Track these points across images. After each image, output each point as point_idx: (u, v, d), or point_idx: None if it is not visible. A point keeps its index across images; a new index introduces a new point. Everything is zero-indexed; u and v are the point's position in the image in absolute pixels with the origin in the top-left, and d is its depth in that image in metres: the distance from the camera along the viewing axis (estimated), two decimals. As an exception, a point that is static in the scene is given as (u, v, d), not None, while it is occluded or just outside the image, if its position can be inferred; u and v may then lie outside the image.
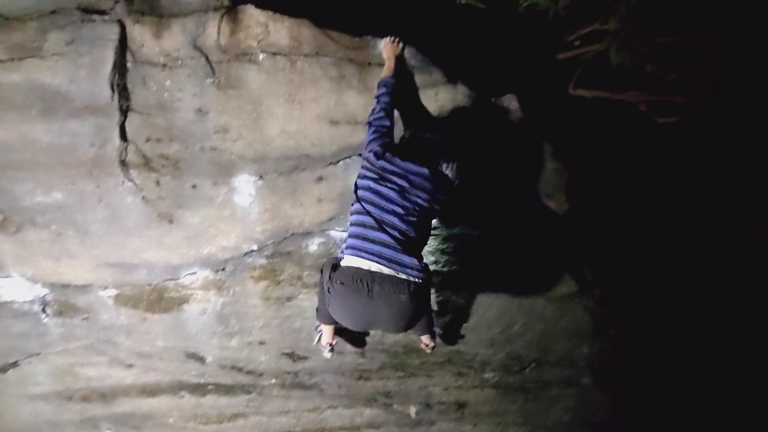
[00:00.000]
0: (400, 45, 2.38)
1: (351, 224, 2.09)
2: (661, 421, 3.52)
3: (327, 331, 2.62)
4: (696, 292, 3.25)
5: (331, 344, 2.66)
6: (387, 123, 2.18)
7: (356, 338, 2.87)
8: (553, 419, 3.40)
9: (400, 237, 2.00)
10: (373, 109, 2.21)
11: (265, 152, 2.45)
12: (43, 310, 2.66)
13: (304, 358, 2.91)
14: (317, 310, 2.50)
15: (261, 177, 2.47)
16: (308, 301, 2.70)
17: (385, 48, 2.38)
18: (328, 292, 2.05)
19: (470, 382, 3.13)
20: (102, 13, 2.29)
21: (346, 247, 2.06)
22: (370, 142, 2.15)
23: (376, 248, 1.98)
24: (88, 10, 2.29)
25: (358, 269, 1.97)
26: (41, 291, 2.63)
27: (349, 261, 2.01)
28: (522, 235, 2.75)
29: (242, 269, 2.62)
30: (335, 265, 2.06)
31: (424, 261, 2.05)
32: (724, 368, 3.48)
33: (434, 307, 2.78)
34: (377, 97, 2.22)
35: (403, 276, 1.96)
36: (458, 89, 2.52)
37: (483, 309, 2.85)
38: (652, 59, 2.86)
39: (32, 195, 2.41)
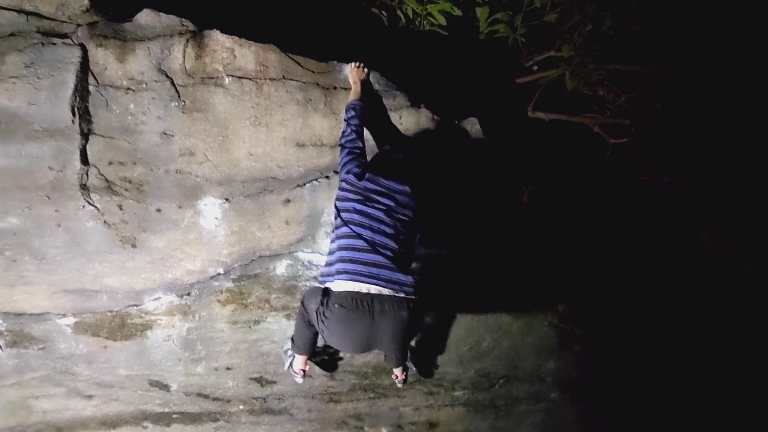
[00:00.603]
0: (365, 69, 2.45)
1: (340, 248, 2.07)
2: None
3: (300, 358, 2.58)
4: (655, 303, 3.39)
5: (304, 370, 2.62)
6: (360, 144, 2.23)
7: (327, 362, 2.85)
8: (523, 435, 3.43)
9: (392, 256, 2.04)
10: (344, 132, 2.25)
11: (231, 175, 2.45)
12: (-4, 341, 2.54)
13: (273, 382, 2.86)
14: (292, 340, 2.50)
15: (227, 199, 2.46)
16: (276, 324, 2.67)
17: (351, 72, 2.44)
18: (323, 316, 2.03)
19: (441, 400, 3.14)
20: (63, 36, 2.28)
21: (337, 272, 2.04)
22: (346, 163, 2.17)
23: (373, 270, 2.01)
24: (48, 33, 2.27)
25: (357, 293, 1.98)
26: (-6, 321, 2.51)
27: (344, 286, 2.01)
28: (486, 253, 2.82)
29: (208, 293, 2.58)
30: (325, 290, 2.05)
31: (415, 276, 2.09)
32: (689, 375, 3.61)
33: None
34: (347, 120, 2.27)
35: (402, 294, 2.01)
36: (422, 112, 2.60)
37: (451, 327, 2.89)
38: (603, 85, 3.04)
39: (-15, 220, 2.33)
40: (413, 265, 2.50)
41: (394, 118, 2.56)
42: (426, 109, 2.61)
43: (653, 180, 3.46)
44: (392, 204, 2.12)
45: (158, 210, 2.43)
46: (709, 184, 3.41)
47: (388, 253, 2.04)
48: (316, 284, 2.42)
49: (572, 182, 3.09)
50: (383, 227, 2.07)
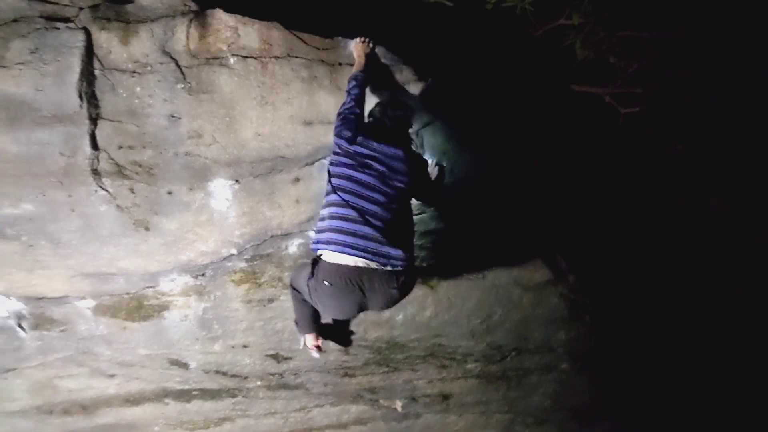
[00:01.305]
0: (370, 44, 2.41)
1: (329, 216, 2.04)
2: (639, 401, 3.66)
3: (310, 335, 2.62)
4: (664, 272, 3.39)
5: (317, 345, 2.67)
6: (356, 110, 2.16)
7: (341, 336, 2.90)
8: (535, 405, 3.50)
9: (383, 227, 1.99)
10: (344, 102, 2.22)
11: (240, 155, 2.45)
12: (19, 325, 2.61)
13: (288, 358, 2.93)
14: (296, 322, 2.54)
15: (237, 180, 2.47)
16: (289, 301, 2.70)
17: (356, 47, 2.40)
18: (314, 290, 2.05)
19: (453, 373, 3.20)
20: (66, 20, 2.26)
21: (326, 242, 2.01)
22: (338, 127, 2.12)
23: (361, 243, 1.97)
24: (51, 18, 2.25)
25: (345, 266, 1.97)
26: (16, 305, 2.57)
27: (332, 257, 1.99)
28: (496, 226, 2.82)
29: (222, 273, 2.62)
30: (314, 261, 2.06)
31: (412, 246, 2.09)
32: (698, 345, 3.63)
33: (414, 302, 2.83)
34: (348, 90, 2.23)
35: (390, 268, 1.99)
36: (429, 85, 2.56)
37: (462, 301, 2.91)
38: (614, 53, 2.97)
39: (0, 207, 2.36)
40: (423, 241, 2.51)
41: (401, 91, 2.52)
42: (433, 82, 2.58)
43: (665, 148, 3.42)
44: (385, 170, 2.06)
45: (169, 192, 2.44)
46: (720, 151, 3.36)
47: (379, 223, 1.99)
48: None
49: (582, 152, 3.06)
50: (375, 195, 2.02)
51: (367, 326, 2.88)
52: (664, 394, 3.68)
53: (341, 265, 1.98)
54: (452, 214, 2.71)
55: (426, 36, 3.03)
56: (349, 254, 1.97)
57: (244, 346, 2.84)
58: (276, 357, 2.91)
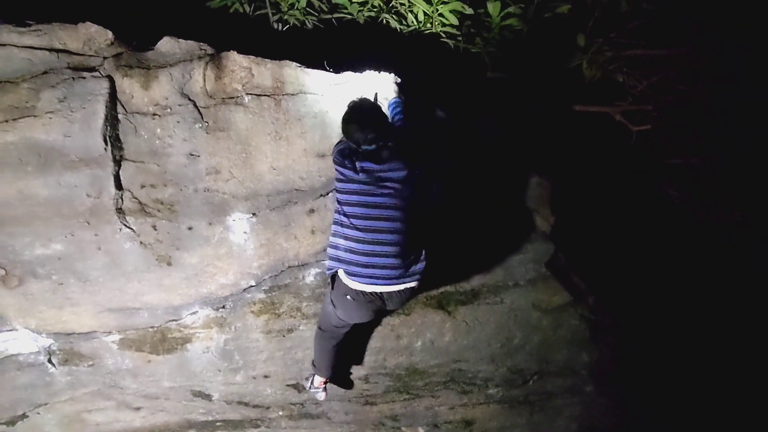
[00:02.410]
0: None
1: (345, 245, 2.10)
2: (667, 422, 3.54)
3: (322, 378, 2.74)
4: (686, 288, 3.31)
5: (324, 383, 2.75)
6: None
7: (344, 380, 2.96)
8: (561, 429, 3.42)
9: (399, 248, 2.07)
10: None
11: (256, 189, 2.53)
12: (49, 360, 2.70)
13: (309, 387, 2.94)
14: (313, 363, 2.67)
15: (254, 214, 2.54)
16: (309, 331, 2.74)
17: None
18: (336, 300, 2.23)
19: (475, 399, 3.16)
20: (91, 69, 2.39)
21: (346, 274, 2.11)
22: (337, 156, 2.14)
23: (379, 271, 2.08)
24: (78, 68, 2.39)
25: (366, 293, 2.11)
26: (46, 341, 2.67)
27: (353, 284, 2.11)
28: (511, 248, 2.82)
29: (242, 305, 2.68)
30: (333, 276, 2.21)
31: (425, 253, 2.17)
32: (723, 364, 3.52)
33: (433, 328, 2.83)
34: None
35: (411, 285, 2.14)
36: (440, 110, 2.62)
37: (480, 325, 2.90)
38: (622, 71, 2.99)
39: (32, 248, 2.47)
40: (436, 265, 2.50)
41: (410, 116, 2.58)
42: (440, 109, 2.63)
43: (681, 163, 3.38)
44: (390, 191, 2.08)
45: (190, 228, 2.53)
46: (738, 162, 3.31)
47: (390, 249, 2.06)
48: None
49: (596, 172, 3.05)
50: (384, 219, 2.07)
51: (386, 354, 2.88)
52: (695, 416, 3.55)
53: (360, 291, 2.11)
54: (462, 235, 2.72)
55: (433, 63, 3.10)
56: (369, 284, 2.09)
57: (266, 377, 2.87)
58: (297, 387, 2.93)
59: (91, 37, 2.40)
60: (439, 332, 2.88)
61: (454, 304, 2.83)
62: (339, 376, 2.87)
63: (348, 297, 2.17)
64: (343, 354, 2.68)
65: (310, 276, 2.66)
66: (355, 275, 2.10)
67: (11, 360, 2.68)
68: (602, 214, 3.01)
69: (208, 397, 2.91)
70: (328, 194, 2.56)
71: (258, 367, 2.82)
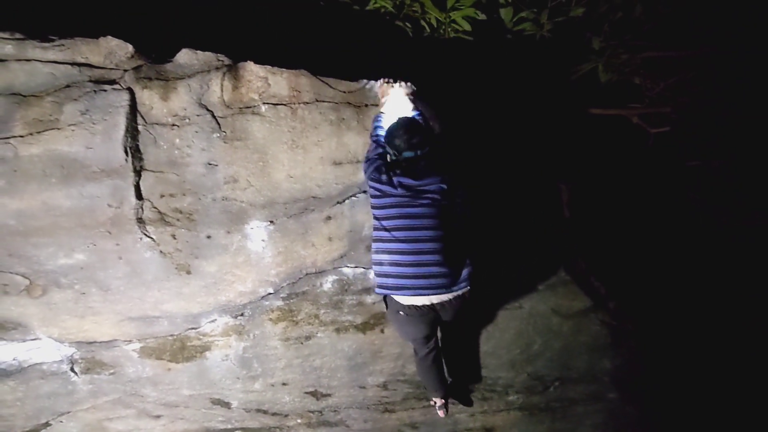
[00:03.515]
0: (393, 84, 2.47)
1: (391, 261, 2.12)
2: (692, 428, 3.45)
3: (439, 399, 2.79)
4: (708, 292, 3.24)
5: (436, 401, 2.81)
6: (381, 151, 2.23)
7: (464, 395, 3.02)
8: (583, 437, 3.35)
9: (441, 258, 2.08)
10: (370, 146, 2.30)
11: (273, 197, 2.55)
12: (72, 369, 2.73)
13: (328, 395, 2.94)
14: (426, 387, 2.77)
15: (272, 222, 2.56)
16: (326, 338, 2.74)
17: (380, 88, 2.48)
18: (392, 317, 2.30)
19: (495, 406, 3.12)
20: (112, 82, 2.44)
21: (394, 287, 2.12)
22: (371, 172, 2.16)
23: (425, 282, 2.08)
24: (99, 81, 2.44)
25: (418, 306, 2.13)
26: (68, 350, 2.70)
27: (405, 300, 2.13)
28: (530, 252, 2.79)
29: (260, 312, 2.69)
30: (386, 297, 2.23)
31: (469, 259, 2.19)
32: (750, 369, 3.43)
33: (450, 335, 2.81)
34: (372, 133, 2.31)
35: (459, 292, 2.15)
36: (454, 118, 2.62)
37: (500, 332, 2.87)
38: (639, 73, 2.96)
39: (55, 258, 2.51)
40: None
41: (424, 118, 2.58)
42: (459, 113, 2.63)
43: (700, 165, 3.33)
44: (428, 202, 2.10)
45: (208, 237, 2.55)
46: (759, 164, 3.24)
47: (435, 257, 2.08)
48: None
49: (614, 176, 3.01)
50: (425, 229, 2.08)
51: (405, 360, 2.86)
52: (721, 423, 3.46)
53: (412, 305, 2.13)
54: (486, 241, 2.70)
55: (451, 68, 3.11)
56: (421, 295, 2.11)
57: (284, 384, 2.87)
58: (315, 394, 2.93)
59: (112, 50, 2.46)
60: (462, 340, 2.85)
61: (472, 309, 2.80)
62: (455, 392, 2.92)
63: (401, 313, 2.19)
64: (450, 369, 2.76)
65: (328, 283, 2.66)
66: (403, 288, 2.11)
67: (35, 369, 2.71)
68: (622, 217, 2.97)
69: (227, 405, 2.91)
70: (344, 201, 2.57)
71: (276, 374, 2.82)
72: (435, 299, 2.12)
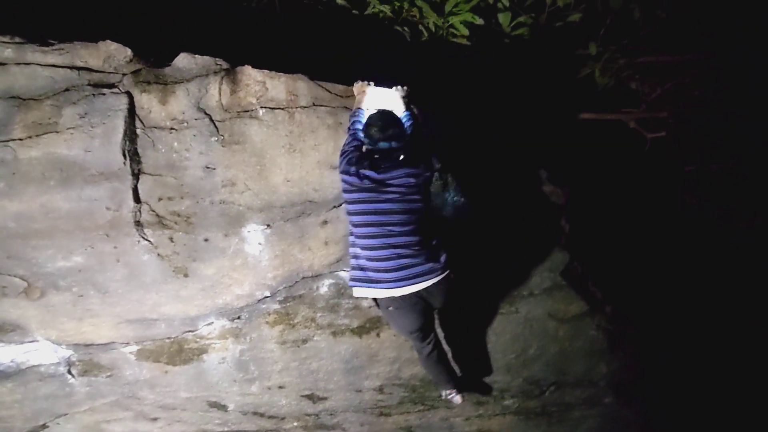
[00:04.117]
0: (369, 83, 2.45)
1: (365, 255, 2.14)
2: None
3: (450, 390, 2.75)
4: (706, 296, 3.25)
5: (452, 392, 2.76)
6: (356, 144, 2.23)
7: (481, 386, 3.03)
8: (580, 441, 3.36)
9: (415, 248, 2.10)
10: (345, 140, 2.28)
11: (271, 201, 2.56)
12: (69, 371, 2.74)
13: (324, 398, 2.94)
14: (436, 384, 2.76)
15: (269, 225, 2.57)
16: (323, 341, 2.75)
17: (355, 87, 2.48)
18: (384, 314, 2.33)
19: (491, 410, 3.12)
20: (111, 86, 2.46)
21: (370, 281, 2.14)
22: (343, 164, 2.16)
23: (402, 273, 2.10)
24: (98, 85, 2.46)
25: (405, 296, 2.13)
26: (66, 352, 2.71)
27: (384, 293, 2.15)
28: (526, 257, 2.80)
29: (257, 316, 2.69)
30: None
31: (444, 245, 2.19)
32: (747, 372, 3.43)
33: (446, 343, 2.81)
34: (348, 127, 2.32)
35: (433, 281, 2.13)
36: (451, 124, 2.63)
37: (496, 336, 2.88)
38: (636, 78, 2.97)
39: (54, 260, 2.52)
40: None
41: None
42: (455, 117, 2.64)
43: (698, 169, 3.33)
44: (395, 196, 2.10)
45: (206, 240, 2.56)
46: (758, 167, 3.25)
47: (409, 249, 2.09)
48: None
49: (613, 179, 3.02)
50: (398, 217, 2.09)
51: (401, 364, 2.87)
52: (718, 427, 3.46)
53: (396, 297, 2.13)
54: (480, 243, 2.71)
55: (449, 72, 3.12)
56: (399, 287, 2.11)
57: (280, 387, 2.88)
58: (311, 397, 2.93)
59: (111, 54, 2.47)
60: (455, 345, 2.86)
61: (468, 312, 2.81)
62: (467, 383, 2.88)
63: (390, 308, 2.21)
64: (455, 359, 2.77)
65: (324, 287, 2.67)
66: (383, 282, 2.12)
67: (33, 371, 2.72)
68: (618, 221, 2.98)
69: (223, 407, 2.92)
70: (341, 205, 2.57)
71: (273, 377, 2.83)
72: (416, 288, 2.12)
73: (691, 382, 3.34)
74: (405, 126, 2.25)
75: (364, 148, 2.22)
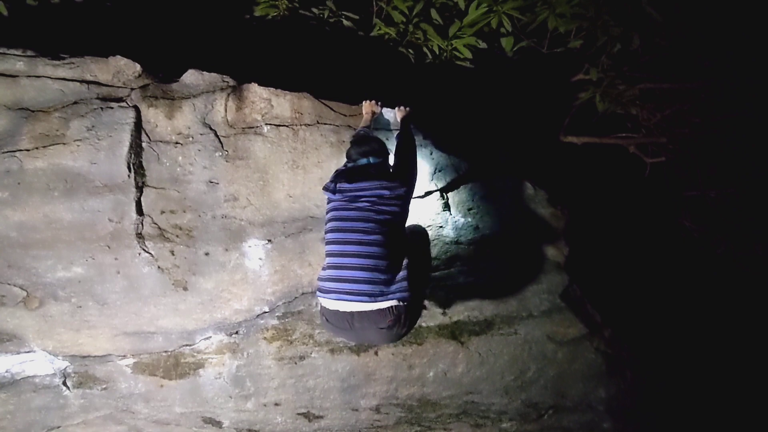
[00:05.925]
0: (379, 103, 2.54)
1: (328, 264, 2.08)
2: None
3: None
4: (706, 321, 3.24)
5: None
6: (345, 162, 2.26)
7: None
8: (578, 467, 3.30)
9: (374, 265, 1.98)
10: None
11: (272, 216, 2.58)
12: (64, 383, 2.72)
13: (320, 417, 2.91)
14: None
15: (270, 240, 2.58)
16: (321, 359, 2.73)
17: (364, 105, 2.55)
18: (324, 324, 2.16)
19: (488, 432, 3.08)
20: (119, 100, 2.50)
21: (326, 290, 2.03)
22: (329, 180, 2.17)
23: (352, 287, 1.97)
24: (106, 99, 2.50)
25: (334, 310, 2.01)
26: (62, 364, 2.70)
27: (328, 304, 2.03)
28: (525, 279, 2.80)
29: (255, 331, 2.69)
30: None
31: (406, 276, 2.02)
32: (747, 397, 3.39)
33: (446, 358, 2.79)
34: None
35: (383, 305, 1.96)
36: (453, 144, 2.66)
37: (494, 357, 2.86)
38: (636, 104, 3.01)
39: (54, 270, 2.53)
40: (452, 295, 2.48)
41: (425, 153, 2.63)
42: (457, 140, 2.68)
43: (698, 195, 3.35)
44: (363, 206, 2.05)
45: (206, 253, 2.57)
46: (757, 194, 3.27)
47: (368, 262, 1.98)
48: None
49: (610, 204, 3.04)
50: (354, 231, 2.02)
51: (398, 384, 2.84)
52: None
53: (329, 309, 2.03)
54: (478, 269, 2.72)
55: (451, 94, 3.17)
56: (333, 299, 2.00)
57: (276, 404, 2.85)
58: (307, 415, 2.90)
59: (120, 69, 2.52)
60: (452, 363, 2.84)
61: (467, 334, 2.80)
62: None
63: (324, 318, 2.08)
64: None
65: (324, 303, 2.66)
66: (325, 291, 2.03)
67: (27, 381, 2.71)
68: (618, 245, 2.99)
69: (218, 424, 2.89)
70: (342, 222, 2.59)
71: (269, 394, 2.81)
72: (353, 307, 1.97)
73: (690, 408, 3.30)
74: (386, 143, 2.28)
75: (344, 164, 2.25)
